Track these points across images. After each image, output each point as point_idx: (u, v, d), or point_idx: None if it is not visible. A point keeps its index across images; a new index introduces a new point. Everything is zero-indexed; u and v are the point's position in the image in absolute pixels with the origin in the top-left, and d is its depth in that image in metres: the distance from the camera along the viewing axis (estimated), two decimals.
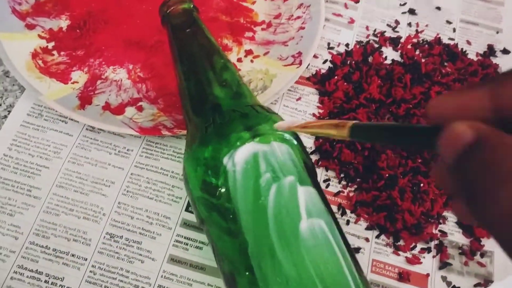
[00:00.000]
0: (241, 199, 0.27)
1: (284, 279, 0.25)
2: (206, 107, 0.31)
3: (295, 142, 0.30)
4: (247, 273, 0.26)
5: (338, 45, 0.47)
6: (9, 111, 0.40)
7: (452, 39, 0.49)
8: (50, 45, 0.42)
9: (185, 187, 0.31)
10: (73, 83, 0.41)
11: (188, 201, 0.37)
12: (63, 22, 0.44)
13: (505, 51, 0.48)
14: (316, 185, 0.29)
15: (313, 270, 0.25)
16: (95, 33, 0.44)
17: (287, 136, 0.29)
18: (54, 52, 0.42)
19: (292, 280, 0.25)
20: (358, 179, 0.40)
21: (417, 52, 0.47)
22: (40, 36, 0.43)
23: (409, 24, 0.49)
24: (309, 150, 0.40)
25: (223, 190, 0.27)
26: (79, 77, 0.41)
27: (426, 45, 0.47)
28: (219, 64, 0.34)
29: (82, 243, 0.35)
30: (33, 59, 0.41)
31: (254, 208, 0.26)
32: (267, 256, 0.25)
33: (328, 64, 0.45)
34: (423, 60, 0.46)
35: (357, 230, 0.37)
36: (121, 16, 0.45)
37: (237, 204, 0.27)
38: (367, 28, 0.48)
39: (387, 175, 0.39)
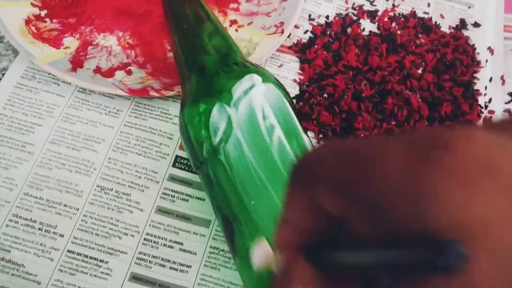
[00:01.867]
0: (244, 141, 0.30)
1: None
2: (201, 66, 0.35)
3: (284, 91, 0.34)
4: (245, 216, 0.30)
5: (319, 17, 0.49)
6: (3, 74, 0.42)
7: (427, 13, 0.51)
8: (43, 13, 0.44)
9: (182, 139, 0.34)
10: (65, 48, 0.43)
11: (175, 158, 0.39)
12: None
13: (476, 25, 0.51)
14: (305, 132, 0.33)
15: None
16: (86, 3, 0.45)
17: (279, 84, 0.34)
18: (47, 20, 0.44)
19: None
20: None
21: (393, 24, 0.50)
22: (32, 4, 0.44)
23: None
24: None
25: (223, 138, 0.31)
26: (71, 43, 0.43)
27: (402, 18, 0.50)
28: (211, 27, 0.37)
29: (74, 194, 0.37)
30: (26, 26, 0.43)
31: (259, 148, 0.30)
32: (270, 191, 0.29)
33: (309, 34, 0.48)
34: (399, 32, 0.49)
35: None
36: None
37: (241, 147, 0.30)
38: (346, 1, 0.51)
39: (362, 135, 0.42)
